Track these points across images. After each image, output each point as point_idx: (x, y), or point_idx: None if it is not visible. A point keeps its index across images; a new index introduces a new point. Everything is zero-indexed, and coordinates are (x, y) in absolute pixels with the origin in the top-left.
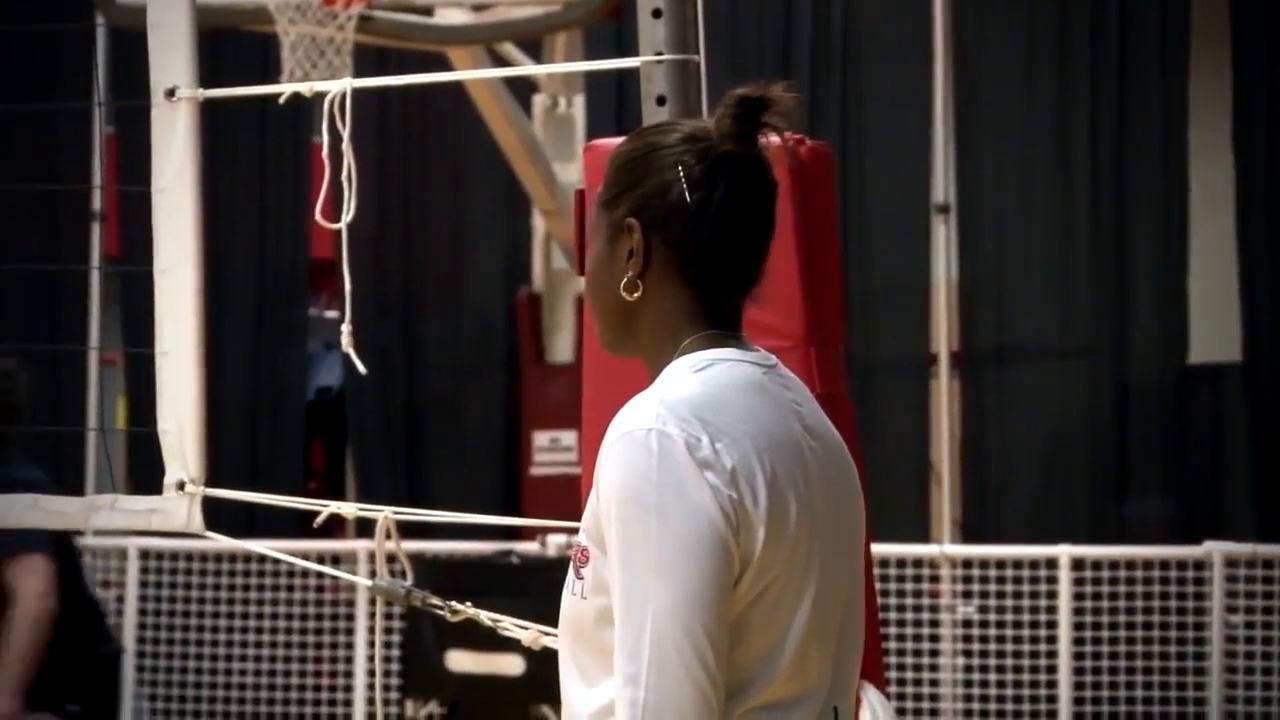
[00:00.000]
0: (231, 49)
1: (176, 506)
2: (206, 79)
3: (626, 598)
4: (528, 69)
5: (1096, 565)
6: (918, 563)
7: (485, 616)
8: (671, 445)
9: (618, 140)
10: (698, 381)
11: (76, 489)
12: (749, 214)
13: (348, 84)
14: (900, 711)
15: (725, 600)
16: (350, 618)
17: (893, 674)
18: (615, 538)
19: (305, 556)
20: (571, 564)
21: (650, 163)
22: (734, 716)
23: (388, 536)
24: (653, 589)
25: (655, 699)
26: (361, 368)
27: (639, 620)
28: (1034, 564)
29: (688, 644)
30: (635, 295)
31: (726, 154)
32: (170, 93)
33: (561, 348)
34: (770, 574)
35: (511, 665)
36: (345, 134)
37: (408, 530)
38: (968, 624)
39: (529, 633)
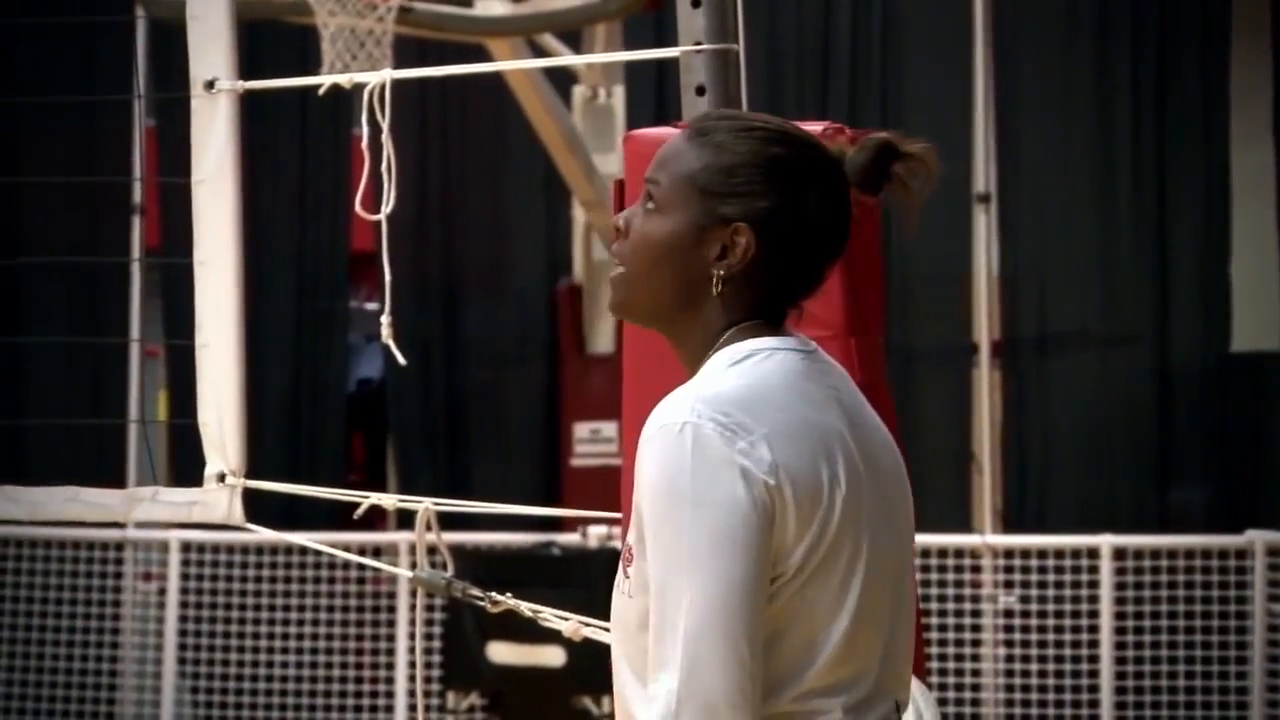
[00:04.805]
0: (271, 40)
1: (217, 499)
2: (246, 71)
3: (662, 590)
4: (567, 60)
5: (1138, 555)
6: (959, 552)
7: (526, 608)
8: (706, 438)
9: (658, 130)
10: (736, 373)
11: (118, 481)
12: (845, 234)
13: (387, 75)
14: (942, 701)
15: (761, 593)
16: (391, 609)
17: (934, 664)
18: (651, 531)
19: (346, 548)
20: (620, 562)
21: (776, 177)
22: (785, 701)
23: (428, 528)
24: (687, 581)
25: (689, 691)
26: (401, 359)
27: (674, 613)
28: (1075, 554)
29: (722, 637)
30: (718, 291)
31: (845, 183)
32: (210, 85)
33: (602, 339)
34: (813, 563)
35: (553, 656)
36: (385, 125)
37: (448, 521)
38: (1009, 614)
39: (569, 624)
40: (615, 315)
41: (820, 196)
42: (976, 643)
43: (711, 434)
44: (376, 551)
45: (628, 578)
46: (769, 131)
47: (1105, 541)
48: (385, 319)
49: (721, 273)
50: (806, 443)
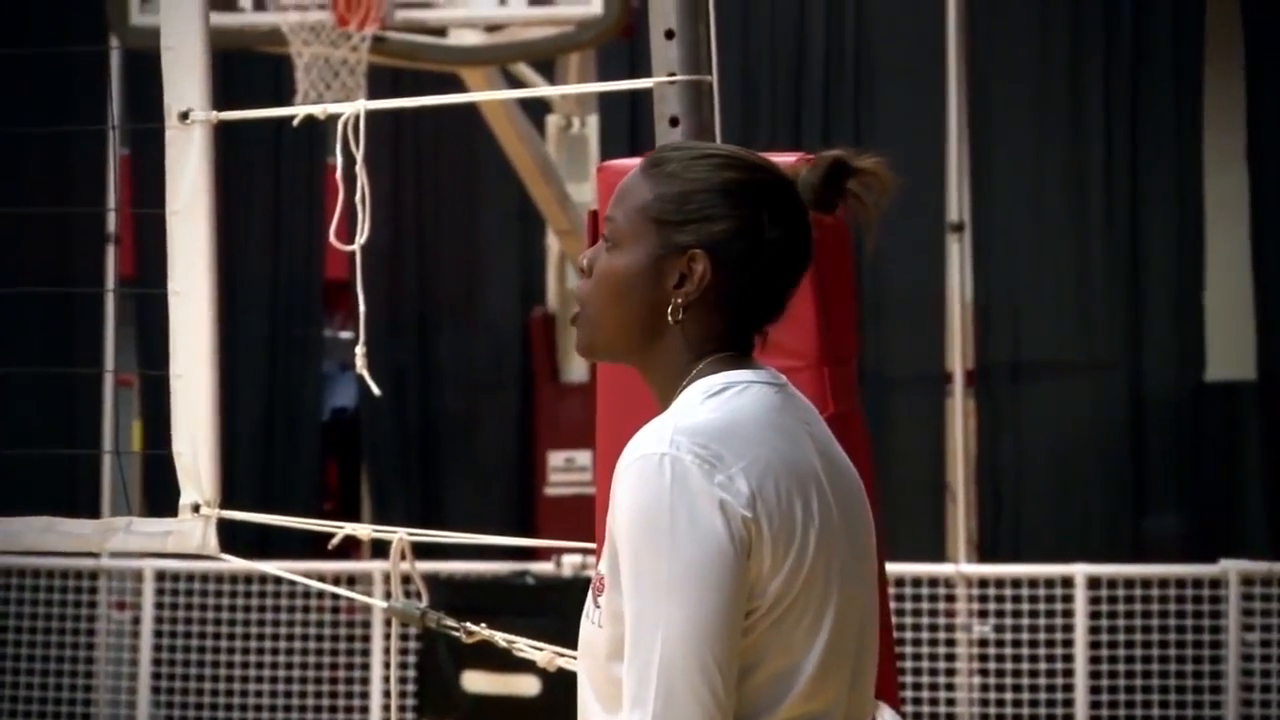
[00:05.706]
0: (246, 70)
1: (191, 528)
2: (221, 101)
3: (637, 622)
4: (541, 90)
5: (1112, 584)
6: (933, 581)
7: (500, 637)
8: (685, 470)
9: (631, 160)
10: (712, 406)
11: (92, 511)
12: (804, 257)
13: (361, 106)
14: None
15: (736, 626)
16: (366, 639)
17: (908, 694)
18: (627, 562)
19: (320, 578)
20: (590, 590)
21: (729, 200)
22: None
23: (402, 557)
24: (663, 614)
25: None
26: (375, 388)
27: (649, 645)
28: (1049, 583)
29: (697, 670)
30: (677, 320)
31: (801, 204)
32: (184, 115)
33: (576, 367)
34: (789, 596)
35: (527, 686)
36: (359, 155)
37: (422, 551)
38: (983, 643)
39: (544, 653)
40: (582, 356)
41: (775, 218)
42: (951, 672)
43: (691, 466)
44: (351, 580)
45: (598, 607)
46: (720, 157)
47: (1080, 570)
48: (359, 348)
49: (680, 300)
50: (783, 477)
